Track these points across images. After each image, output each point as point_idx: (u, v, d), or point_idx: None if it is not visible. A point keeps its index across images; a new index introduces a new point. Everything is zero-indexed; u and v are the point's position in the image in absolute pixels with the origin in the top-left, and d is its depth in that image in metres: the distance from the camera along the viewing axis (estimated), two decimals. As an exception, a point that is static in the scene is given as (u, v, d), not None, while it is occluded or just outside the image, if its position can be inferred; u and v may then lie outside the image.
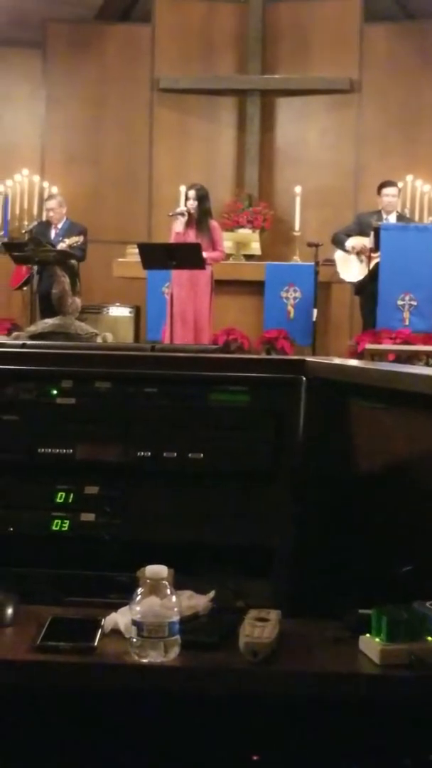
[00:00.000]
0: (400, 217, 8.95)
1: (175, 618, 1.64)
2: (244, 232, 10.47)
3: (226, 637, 1.69)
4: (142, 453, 2.18)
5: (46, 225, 9.44)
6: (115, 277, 9.53)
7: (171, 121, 11.19)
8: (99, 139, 11.21)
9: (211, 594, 1.84)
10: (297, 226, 9.87)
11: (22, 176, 10.88)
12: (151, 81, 11.17)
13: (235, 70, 11.14)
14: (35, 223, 9.77)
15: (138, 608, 1.63)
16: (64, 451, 2.20)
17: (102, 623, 1.73)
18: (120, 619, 1.73)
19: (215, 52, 11.17)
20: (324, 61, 10.93)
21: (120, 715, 1.66)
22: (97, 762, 1.69)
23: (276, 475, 2.14)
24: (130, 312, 10.19)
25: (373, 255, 8.27)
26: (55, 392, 2.28)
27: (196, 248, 7.56)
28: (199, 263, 7.55)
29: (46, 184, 10.84)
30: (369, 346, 7.94)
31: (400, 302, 8.14)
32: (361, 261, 8.49)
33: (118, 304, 10.23)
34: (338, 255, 8.70)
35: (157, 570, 1.65)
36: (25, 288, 9.22)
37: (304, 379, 2.24)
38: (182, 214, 8.10)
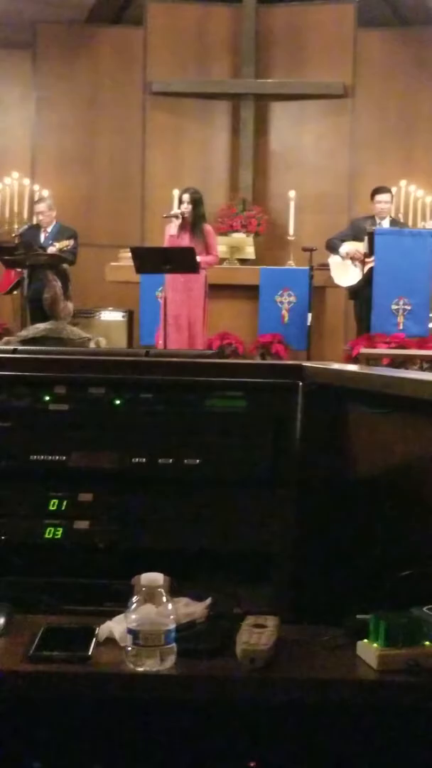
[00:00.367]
0: (394, 222, 8.97)
1: (172, 626, 1.62)
2: (239, 237, 10.47)
3: (224, 644, 1.68)
4: (137, 459, 2.16)
5: (36, 228, 9.42)
6: (108, 281, 9.51)
7: (165, 124, 11.19)
8: (91, 142, 11.21)
9: (208, 601, 1.82)
10: (291, 231, 9.87)
11: (12, 179, 10.84)
12: (143, 84, 11.17)
13: (229, 74, 11.14)
14: (26, 226, 9.75)
15: (133, 616, 1.61)
16: (58, 457, 2.18)
17: (97, 632, 1.71)
18: (115, 627, 1.71)
19: (209, 56, 11.17)
20: (318, 66, 10.94)
21: (115, 725, 1.64)
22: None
23: (273, 481, 2.13)
24: (123, 316, 10.16)
25: (367, 260, 8.27)
26: (48, 398, 2.26)
27: (190, 252, 7.55)
28: (193, 267, 7.54)
29: (36, 187, 10.82)
30: (364, 350, 7.94)
31: (394, 307, 8.14)
32: (356, 266, 8.50)
33: (111, 308, 10.20)
34: (332, 259, 8.71)
35: (153, 577, 1.64)
36: (14, 292, 9.20)
37: (301, 384, 2.23)
38: (177, 217, 8.09)
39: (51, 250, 8.70)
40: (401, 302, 8.13)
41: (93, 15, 11.21)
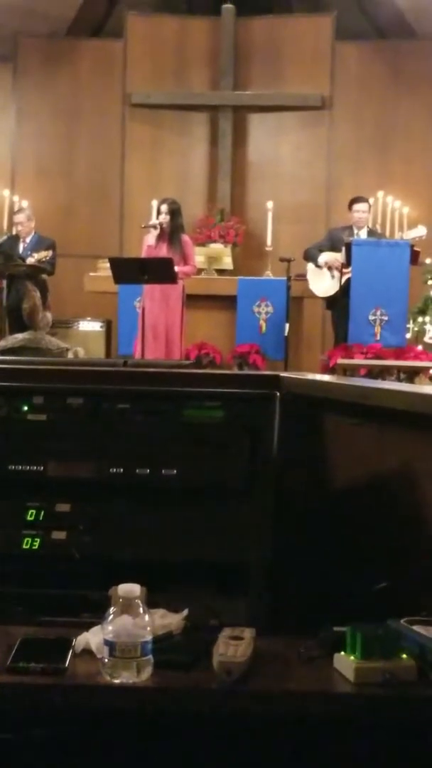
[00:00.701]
0: (371, 233, 9.00)
1: (148, 637, 1.61)
2: (216, 247, 10.48)
3: (200, 656, 1.67)
4: (115, 469, 2.16)
5: (15, 239, 9.40)
6: (86, 291, 9.50)
7: (143, 135, 11.20)
8: (71, 153, 11.21)
9: (185, 612, 1.82)
10: (269, 241, 9.89)
11: (-9, 190, 10.84)
12: (123, 96, 11.18)
13: (208, 86, 11.17)
14: (4, 237, 9.72)
15: (110, 627, 1.60)
16: (35, 467, 2.17)
17: (73, 643, 1.70)
18: (92, 638, 1.70)
19: (188, 68, 11.20)
20: (296, 78, 10.99)
21: (92, 737, 1.63)
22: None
23: (250, 492, 2.13)
24: (101, 326, 10.16)
25: (344, 270, 8.30)
26: (25, 408, 2.26)
27: (168, 263, 7.55)
28: (171, 278, 7.55)
29: (16, 198, 10.79)
30: (341, 360, 7.95)
31: (371, 317, 8.16)
32: (333, 276, 8.52)
33: (89, 318, 10.20)
34: (310, 269, 8.73)
35: (130, 588, 1.63)
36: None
37: (278, 394, 2.23)
38: (155, 227, 8.10)
39: (30, 260, 8.68)
40: (378, 312, 8.15)
41: (73, 27, 11.23)
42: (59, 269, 9.06)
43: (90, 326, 10.20)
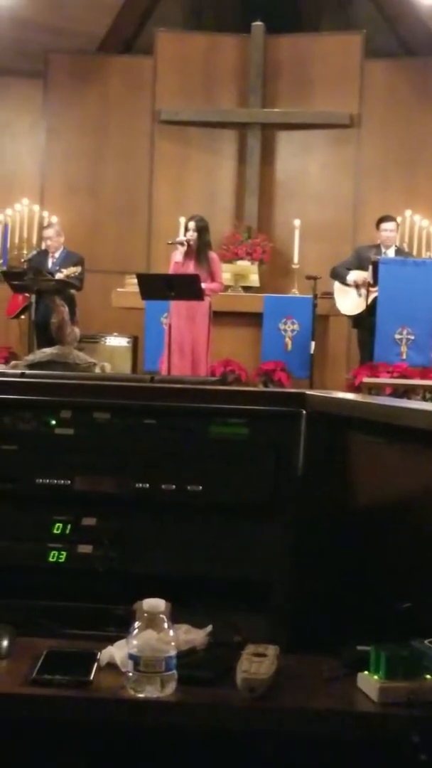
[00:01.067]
0: (399, 251, 8.99)
1: (172, 652, 1.62)
2: (243, 264, 10.50)
3: (224, 672, 1.68)
4: (141, 485, 2.17)
5: (44, 254, 9.48)
6: (113, 307, 9.54)
7: (171, 152, 11.25)
8: (99, 169, 11.27)
9: (209, 628, 1.82)
10: (296, 259, 9.92)
11: (22, 205, 10.95)
12: (152, 113, 11.24)
13: (236, 103, 11.21)
14: (34, 252, 9.82)
15: (135, 642, 1.61)
16: (62, 481, 2.19)
17: (98, 657, 1.71)
18: (116, 652, 1.71)
19: (216, 85, 11.25)
20: (324, 96, 11.01)
21: (115, 750, 1.64)
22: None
23: (275, 509, 2.13)
24: (128, 342, 10.20)
25: (371, 289, 8.30)
26: (53, 422, 2.27)
27: (194, 279, 7.58)
28: (197, 294, 7.57)
29: (45, 214, 10.90)
30: (366, 379, 7.94)
31: (397, 336, 8.15)
32: (360, 294, 8.52)
33: (116, 333, 10.24)
34: (337, 287, 8.74)
35: (155, 603, 1.64)
36: (22, 317, 9.24)
37: (304, 412, 2.24)
38: (182, 244, 8.13)
39: (59, 276, 8.75)
40: (404, 332, 8.14)
41: (103, 44, 11.31)
42: (87, 285, 9.13)
43: (117, 342, 10.25)
